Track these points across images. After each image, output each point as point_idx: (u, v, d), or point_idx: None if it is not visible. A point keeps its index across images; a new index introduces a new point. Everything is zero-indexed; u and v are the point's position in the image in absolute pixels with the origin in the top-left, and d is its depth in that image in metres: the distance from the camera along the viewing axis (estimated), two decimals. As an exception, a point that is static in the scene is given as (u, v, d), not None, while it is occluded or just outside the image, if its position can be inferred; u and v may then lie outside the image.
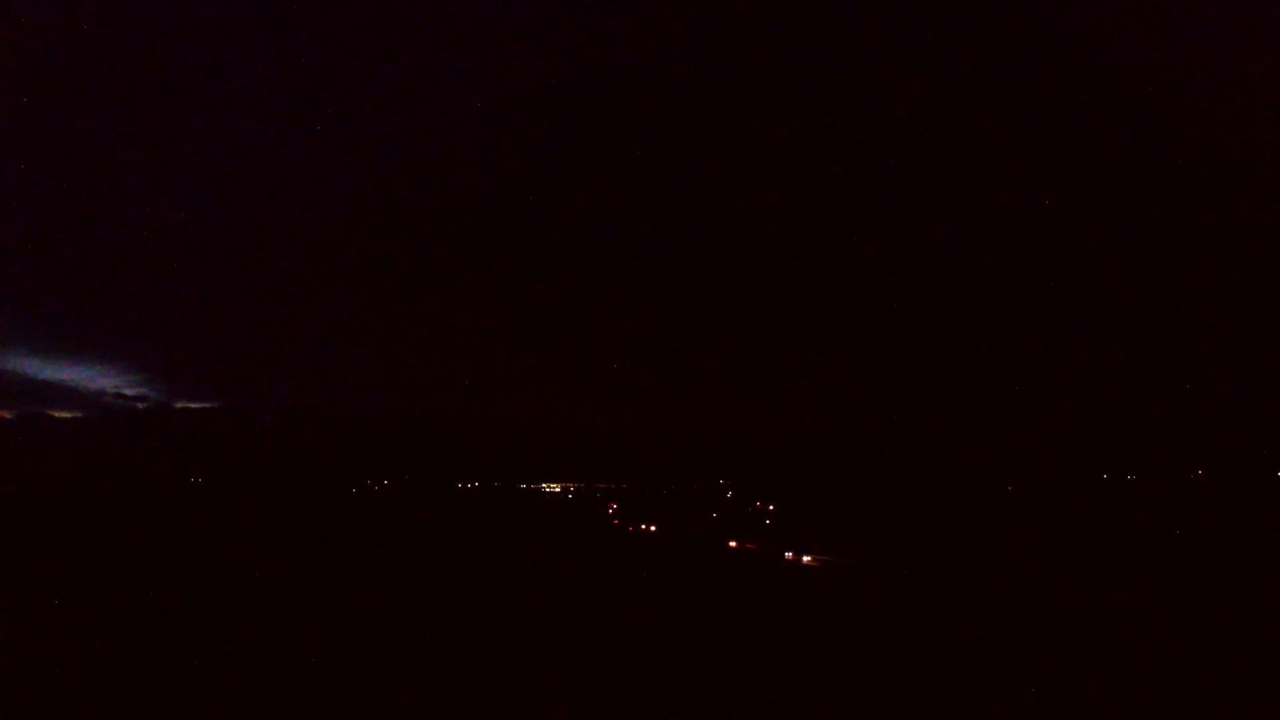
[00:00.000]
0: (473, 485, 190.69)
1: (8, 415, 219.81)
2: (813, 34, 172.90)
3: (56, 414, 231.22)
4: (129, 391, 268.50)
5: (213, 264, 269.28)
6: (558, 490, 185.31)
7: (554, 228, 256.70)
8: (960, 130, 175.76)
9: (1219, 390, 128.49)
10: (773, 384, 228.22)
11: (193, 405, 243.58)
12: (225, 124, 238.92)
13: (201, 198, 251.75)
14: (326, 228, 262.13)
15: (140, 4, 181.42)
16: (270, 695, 24.22)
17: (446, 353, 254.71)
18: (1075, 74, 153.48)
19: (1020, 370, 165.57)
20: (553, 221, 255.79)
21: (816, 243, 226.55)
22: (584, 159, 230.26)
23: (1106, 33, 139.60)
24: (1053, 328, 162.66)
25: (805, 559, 57.43)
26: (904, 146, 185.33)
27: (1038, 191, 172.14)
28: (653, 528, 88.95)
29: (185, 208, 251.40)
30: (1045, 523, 76.25)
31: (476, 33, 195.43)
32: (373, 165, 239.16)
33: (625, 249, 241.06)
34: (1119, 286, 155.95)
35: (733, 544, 71.58)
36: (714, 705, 23.37)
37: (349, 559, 59.09)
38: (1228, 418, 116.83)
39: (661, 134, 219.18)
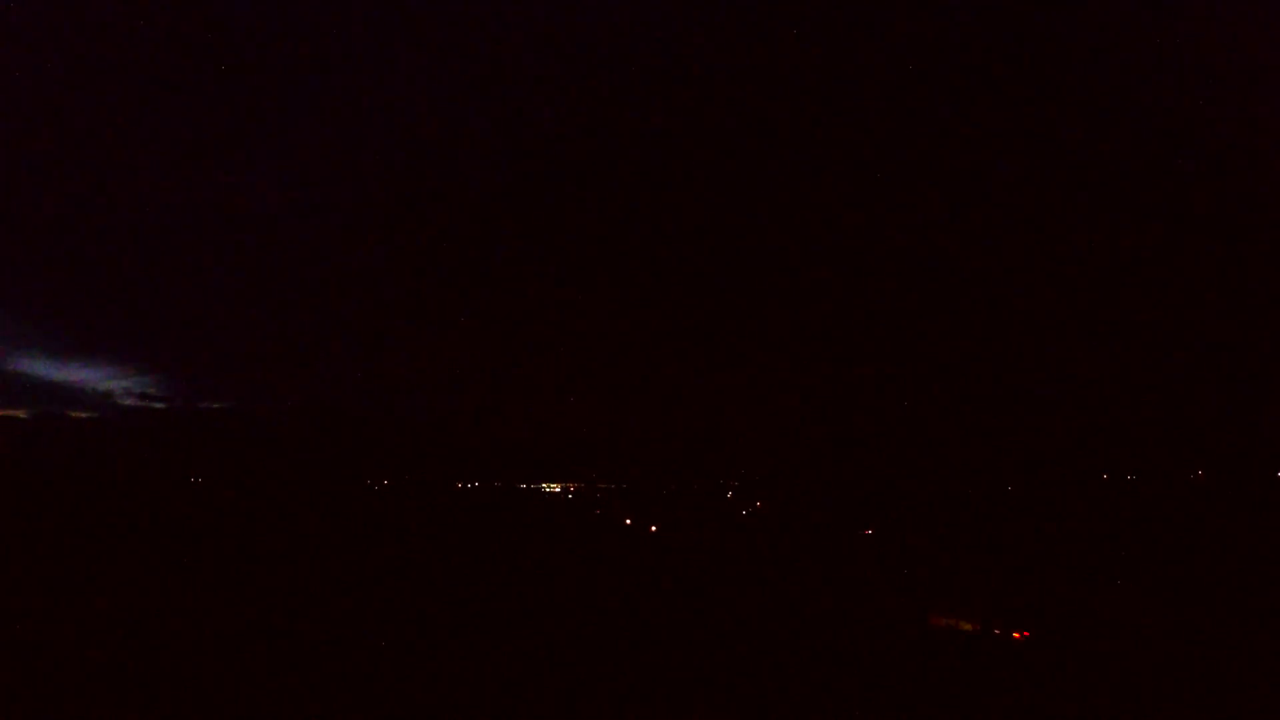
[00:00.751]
0: (473, 485, 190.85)
1: (22, 415, 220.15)
2: (815, 33, 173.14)
3: (72, 414, 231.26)
4: (144, 392, 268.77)
5: (219, 268, 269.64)
6: (558, 490, 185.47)
7: (554, 228, 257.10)
8: (962, 130, 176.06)
9: (1219, 390, 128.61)
10: (774, 384, 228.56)
11: (197, 406, 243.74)
12: (244, 132, 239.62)
13: (213, 202, 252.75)
14: (329, 232, 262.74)
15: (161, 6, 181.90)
16: (274, 694, 24.26)
17: (447, 353, 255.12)
18: (1075, 75, 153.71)
19: (1021, 370, 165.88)
20: (553, 222, 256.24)
21: (818, 244, 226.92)
22: (584, 160, 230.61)
23: (1107, 33, 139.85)
24: (1053, 328, 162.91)
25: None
26: (906, 148, 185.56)
27: (1039, 191, 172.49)
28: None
29: (198, 211, 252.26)
30: (1036, 526, 76.15)
31: (485, 37, 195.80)
32: (376, 173, 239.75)
33: (626, 250, 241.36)
34: (1119, 287, 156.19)
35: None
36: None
37: (357, 559, 59.20)
38: (1228, 417, 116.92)
39: (665, 135, 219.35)
